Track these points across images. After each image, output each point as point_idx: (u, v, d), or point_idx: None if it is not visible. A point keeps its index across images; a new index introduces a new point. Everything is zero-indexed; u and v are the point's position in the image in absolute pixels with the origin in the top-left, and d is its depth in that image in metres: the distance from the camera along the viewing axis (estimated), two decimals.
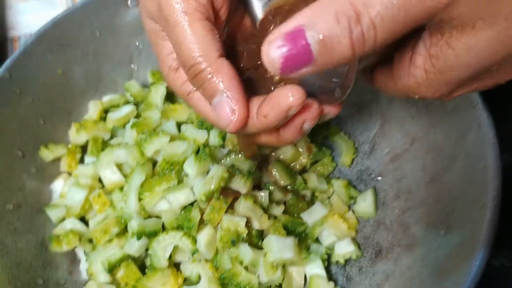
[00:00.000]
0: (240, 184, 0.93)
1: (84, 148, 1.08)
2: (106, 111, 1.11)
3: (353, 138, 1.13)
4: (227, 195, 0.93)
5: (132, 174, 0.94)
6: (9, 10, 1.43)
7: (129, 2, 1.10)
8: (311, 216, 0.99)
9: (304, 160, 1.05)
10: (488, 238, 0.74)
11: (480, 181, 0.82)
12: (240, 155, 0.96)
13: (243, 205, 0.92)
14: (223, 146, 0.99)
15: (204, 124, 1.01)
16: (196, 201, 0.93)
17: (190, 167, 0.92)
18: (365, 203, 1.03)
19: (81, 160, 1.08)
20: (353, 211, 1.05)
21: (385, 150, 1.07)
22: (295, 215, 1.01)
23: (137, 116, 1.10)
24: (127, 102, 1.12)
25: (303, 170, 1.08)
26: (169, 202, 0.91)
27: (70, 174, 1.05)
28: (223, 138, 0.98)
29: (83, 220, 1.00)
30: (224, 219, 0.91)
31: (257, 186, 0.99)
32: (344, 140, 1.11)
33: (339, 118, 1.15)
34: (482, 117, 0.85)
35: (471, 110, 0.88)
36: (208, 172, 0.93)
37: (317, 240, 1.03)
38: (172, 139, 0.98)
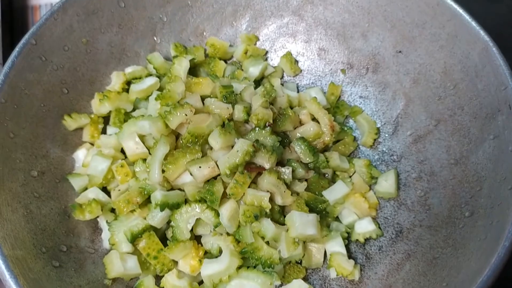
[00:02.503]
0: (264, 159, 0.92)
1: (106, 119, 1.08)
2: (128, 83, 1.10)
3: (376, 118, 1.12)
4: (251, 170, 0.92)
5: (156, 145, 0.94)
6: None
7: None
8: (333, 193, 0.99)
9: (326, 138, 1.04)
10: None
11: (509, 162, 0.82)
12: (264, 131, 0.96)
13: (267, 180, 0.91)
14: (247, 121, 0.99)
15: (229, 98, 1.01)
16: (219, 174, 0.93)
17: (215, 140, 0.92)
18: (386, 183, 1.02)
19: (103, 131, 1.07)
20: (374, 191, 1.05)
21: (408, 131, 1.06)
22: (316, 192, 1.00)
23: (160, 89, 1.09)
24: (149, 75, 1.11)
25: (325, 149, 1.08)
26: (192, 174, 0.91)
27: (92, 144, 1.05)
28: (248, 113, 0.98)
29: (105, 190, 1.00)
30: (248, 193, 0.91)
31: (280, 162, 0.99)
32: (367, 120, 1.11)
33: (363, 98, 1.14)
34: None
35: (502, 92, 0.87)
36: (232, 147, 0.93)
37: (337, 219, 1.03)
38: (197, 112, 0.97)
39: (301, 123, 1.06)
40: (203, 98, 1.03)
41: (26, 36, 0.94)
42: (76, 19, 1.01)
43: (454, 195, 0.92)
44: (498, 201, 0.80)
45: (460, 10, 0.95)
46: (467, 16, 0.94)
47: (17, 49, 0.92)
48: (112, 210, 0.98)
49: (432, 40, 1.01)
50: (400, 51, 1.08)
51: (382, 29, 1.09)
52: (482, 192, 0.85)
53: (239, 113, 0.98)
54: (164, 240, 0.96)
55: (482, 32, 0.92)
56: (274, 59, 1.23)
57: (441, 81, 1.00)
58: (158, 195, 0.90)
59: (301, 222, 0.90)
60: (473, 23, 0.93)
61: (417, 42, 1.04)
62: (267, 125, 0.97)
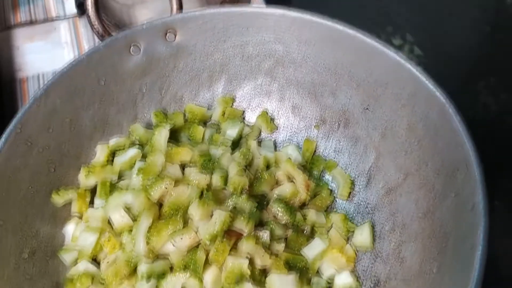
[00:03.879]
0: (242, 226, 0.97)
1: (94, 189, 1.13)
2: (113, 153, 1.16)
3: (350, 171, 1.17)
4: (230, 236, 0.97)
5: (140, 218, 0.99)
6: (16, 51, 1.48)
7: (131, 50, 1.16)
8: (311, 251, 1.04)
9: (302, 196, 1.09)
10: (476, 281, 0.79)
11: (469, 222, 0.86)
12: (241, 197, 1.01)
13: (246, 246, 0.97)
14: (225, 187, 1.04)
15: (207, 166, 1.06)
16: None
17: (195, 212, 0.97)
18: (362, 237, 1.07)
19: (92, 200, 1.12)
20: (351, 244, 1.10)
21: (380, 183, 1.12)
22: (296, 249, 1.06)
23: (144, 156, 1.14)
24: (132, 144, 1.17)
25: (303, 205, 1.13)
26: (175, 246, 0.96)
27: (81, 217, 1.10)
28: (225, 180, 1.03)
29: (95, 259, 1.05)
30: (228, 261, 0.96)
31: (259, 223, 1.04)
32: (341, 174, 1.16)
33: (337, 152, 1.20)
34: (469, 158, 0.90)
35: (460, 149, 0.92)
36: (212, 214, 0.98)
37: (318, 273, 1.08)
38: (177, 182, 1.03)
39: (278, 183, 1.12)
40: (183, 165, 1.10)
41: (11, 126, 0.99)
42: (58, 101, 1.07)
43: (424, 249, 0.97)
44: (461, 259, 0.85)
45: (417, 73, 1.01)
46: (424, 78, 1.00)
47: (2, 139, 0.98)
48: (103, 281, 1.03)
49: (395, 99, 1.07)
50: (367, 108, 1.14)
51: (349, 88, 1.15)
52: (448, 249, 0.90)
53: (216, 181, 1.04)
54: None
55: (438, 93, 0.97)
56: (251, 117, 1.29)
57: (406, 137, 1.06)
58: (143, 268, 0.95)
59: (281, 284, 0.95)
60: (430, 85, 0.99)
61: (381, 100, 1.10)
62: (243, 191, 1.02)
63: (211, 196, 0.99)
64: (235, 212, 0.98)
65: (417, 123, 1.03)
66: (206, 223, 0.97)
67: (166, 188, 1.01)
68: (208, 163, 1.07)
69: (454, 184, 0.93)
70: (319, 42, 1.15)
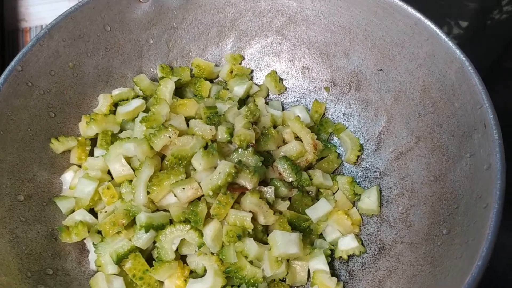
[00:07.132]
0: (247, 180, 0.94)
1: (94, 140, 1.09)
2: (115, 105, 1.12)
3: (359, 135, 1.13)
4: (233, 190, 0.94)
5: (141, 168, 0.96)
6: (20, 1, 1.44)
7: None
8: (316, 212, 1.01)
9: (310, 156, 1.06)
10: (490, 239, 0.75)
11: (484, 181, 0.83)
12: (247, 151, 0.97)
13: (249, 201, 0.93)
14: (230, 142, 1.00)
15: (213, 119, 1.03)
16: (203, 195, 0.94)
17: (198, 162, 0.93)
18: (369, 200, 1.04)
19: (91, 153, 1.09)
20: (357, 208, 1.06)
21: (390, 148, 1.08)
22: (300, 210, 1.02)
23: (146, 110, 1.11)
24: (136, 96, 1.13)
25: (309, 167, 1.10)
26: (176, 196, 0.93)
27: (79, 166, 1.07)
28: (231, 134, 1.00)
29: (92, 211, 1.02)
30: (230, 214, 0.93)
31: (263, 181, 1.01)
32: (350, 137, 1.12)
33: (346, 115, 1.16)
34: (487, 118, 0.86)
35: (477, 110, 0.89)
36: (215, 167, 0.94)
37: (321, 236, 1.04)
38: (181, 134, 0.99)
39: (284, 142, 1.08)
40: (188, 119, 1.06)
41: (12, 63, 0.96)
42: (62, 44, 1.04)
43: (434, 212, 0.93)
44: (474, 219, 0.82)
45: (437, 30, 0.97)
46: (443, 36, 0.96)
47: (3, 76, 0.94)
48: (99, 232, 0.99)
49: (411, 58, 1.03)
50: (381, 69, 1.10)
51: (363, 48, 1.11)
52: (459, 210, 0.87)
53: (222, 134, 1.00)
54: (151, 260, 0.97)
55: (458, 52, 0.93)
56: (260, 78, 1.25)
57: (421, 99, 1.02)
58: (142, 217, 0.92)
59: (283, 241, 0.92)
60: (450, 43, 0.95)
61: (397, 60, 1.06)
62: (249, 145, 0.99)
63: (216, 147, 0.96)
64: (240, 165, 0.95)
65: (433, 84, 0.99)
66: (210, 175, 0.93)
67: (170, 137, 0.97)
68: (214, 116, 1.04)
69: (469, 144, 0.89)
70: None
